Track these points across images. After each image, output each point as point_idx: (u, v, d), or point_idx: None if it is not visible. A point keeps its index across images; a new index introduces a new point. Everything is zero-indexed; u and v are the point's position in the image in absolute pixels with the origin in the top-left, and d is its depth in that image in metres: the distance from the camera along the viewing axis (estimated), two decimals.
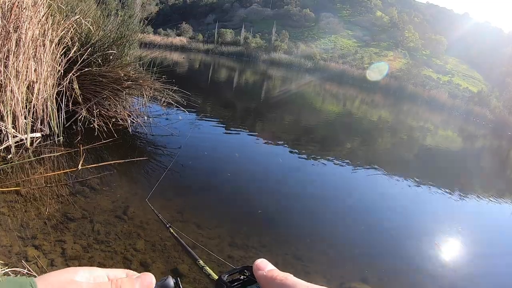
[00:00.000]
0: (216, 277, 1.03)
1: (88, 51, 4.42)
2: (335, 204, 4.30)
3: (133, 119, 4.87)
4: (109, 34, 5.05)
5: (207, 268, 0.73)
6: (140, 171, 3.85)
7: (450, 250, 3.77)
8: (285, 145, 6.42)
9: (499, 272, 3.59)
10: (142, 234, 2.60)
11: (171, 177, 3.85)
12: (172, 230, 0.96)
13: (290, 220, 3.57)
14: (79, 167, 3.33)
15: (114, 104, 4.68)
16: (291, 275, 0.44)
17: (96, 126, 4.17)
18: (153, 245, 2.51)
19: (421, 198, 5.29)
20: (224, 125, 7.00)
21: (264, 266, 0.47)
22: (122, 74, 4.69)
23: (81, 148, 3.61)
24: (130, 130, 4.62)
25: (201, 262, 0.68)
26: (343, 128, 10.34)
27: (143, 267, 2.25)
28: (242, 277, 0.49)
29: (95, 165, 3.51)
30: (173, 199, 3.35)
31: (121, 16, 5.65)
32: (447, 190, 5.78)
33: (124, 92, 4.76)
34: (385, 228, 3.88)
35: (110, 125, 4.33)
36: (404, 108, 21.55)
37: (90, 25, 4.65)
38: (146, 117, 5.15)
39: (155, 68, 5.48)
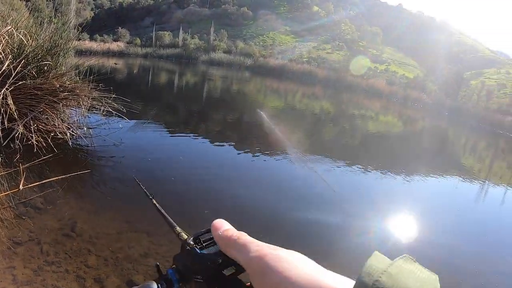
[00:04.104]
0: None
1: (22, 63, 4.26)
2: (282, 197, 4.53)
3: (72, 131, 4.75)
4: (42, 44, 4.88)
5: (183, 234, 0.82)
6: (84, 185, 3.82)
7: (401, 229, 4.22)
8: (230, 145, 6.58)
9: (450, 240, 4.11)
10: (92, 250, 2.65)
11: (115, 187, 3.87)
12: (154, 201, 1.05)
13: (238, 217, 3.69)
14: (21, 187, 3.27)
15: (52, 118, 4.55)
16: (245, 234, 0.45)
17: (34, 142, 4.04)
18: (105, 260, 2.57)
19: (368, 182, 5.76)
20: (167, 129, 7.03)
21: (220, 226, 0.48)
22: (58, 85, 4.57)
23: (21, 167, 3.52)
24: (70, 144, 4.52)
25: (177, 228, 0.76)
26: (286, 122, 10.70)
27: (97, 283, 2.32)
28: (209, 238, 0.50)
29: (37, 183, 3.45)
30: (121, 210, 3.39)
31: (54, 24, 5.45)
32: (392, 172, 6.34)
33: (61, 104, 4.64)
34: (333, 215, 4.19)
35: (49, 140, 4.21)
36: (345, 98, 22.58)
37: (23, 36, 4.48)
38: (85, 128, 5.05)
39: (91, 77, 5.36)
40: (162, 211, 0.89)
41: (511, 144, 16.47)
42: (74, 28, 5.98)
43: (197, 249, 0.48)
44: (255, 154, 6.10)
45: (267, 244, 0.41)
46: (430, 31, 51.69)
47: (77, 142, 4.91)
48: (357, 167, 6.35)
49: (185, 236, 0.74)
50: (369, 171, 6.22)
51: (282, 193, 4.72)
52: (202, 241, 0.49)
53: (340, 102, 20.16)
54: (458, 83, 30.25)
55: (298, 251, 0.40)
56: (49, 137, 4.26)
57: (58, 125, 4.58)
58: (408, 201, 5.29)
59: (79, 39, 6.87)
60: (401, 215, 4.64)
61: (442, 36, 49.90)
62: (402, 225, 4.33)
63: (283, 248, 0.39)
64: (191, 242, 0.49)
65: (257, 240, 0.42)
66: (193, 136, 6.92)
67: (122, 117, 5.36)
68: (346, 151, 7.94)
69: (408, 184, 6.08)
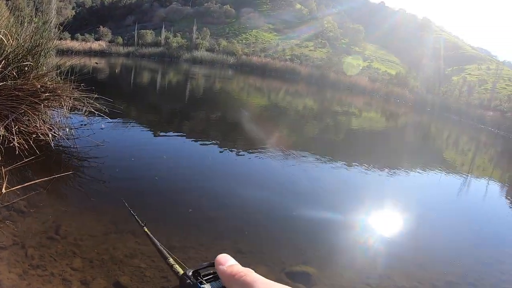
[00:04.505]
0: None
1: (2, 64, 4.18)
2: (267, 194, 4.56)
3: (54, 132, 4.69)
4: (23, 44, 4.79)
5: (177, 266, 0.77)
6: (68, 187, 3.79)
7: (386, 222, 4.34)
8: (214, 143, 6.59)
9: (434, 233, 4.25)
10: (77, 252, 2.63)
11: (98, 188, 3.85)
12: (146, 229, 0.99)
13: (223, 215, 3.75)
14: (3, 190, 3.21)
15: (33, 119, 4.48)
16: (252, 271, 0.43)
17: (16, 145, 3.98)
18: (91, 261, 2.56)
19: (352, 178, 5.85)
20: (150, 129, 7.00)
21: (225, 261, 0.46)
22: (39, 86, 4.50)
23: (3, 170, 3.46)
24: (52, 145, 4.46)
25: (170, 260, 0.72)
26: (269, 119, 10.74)
27: (83, 285, 2.31)
28: (209, 273, 0.49)
29: (20, 186, 3.39)
30: (105, 211, 3.37)
31: (35, 23, 5.35)
32: (376, 168, 6.43)
33: (43, 104, 4.56)
34: (318, 211, 4.26)
35: (31, 142, 4.15)
36: (328, 95, 22.73)
37: (3, 35, 4.40)
38: (68, 129, 4.98)
39: (73, 77, 5.28)
40: (155, 241, 0.88)
41: (492, 138, 16.86)
42: (55, 27, 5.90)
43: (199, 283, 0.47)
44: (239, 153, 6.14)
45: (274, 282, 0.40)
46: (412, 28, 52.51)
47: (60, 144, 4.85)
48: (341, 162, 6.45)
49: (179, 268, 0.71)
50: (353, 167, 6.31)
51: (268, 191, 4.75)
52: (202, 275, 0.48)
53: (323, 99, 20.31)
54: (440, 79, 30.83)
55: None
56: (31, 139, 4.20)
57: (40, 126, 4.51)
58: (393, 195, 5.41)
59: (60, 39, 6.74)
60: (386, 209, 4.75)
61: (424, 33, 50.72)
62: (387, 219, 4.43)
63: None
64: (191, 275, 0.48)
65: (264, 278, 0.41)
66: (176, 135, 6.93)
67: (105, 117, 5.31)
68: (329, 147, 8.03)
69: (393, 178, 6.21)
